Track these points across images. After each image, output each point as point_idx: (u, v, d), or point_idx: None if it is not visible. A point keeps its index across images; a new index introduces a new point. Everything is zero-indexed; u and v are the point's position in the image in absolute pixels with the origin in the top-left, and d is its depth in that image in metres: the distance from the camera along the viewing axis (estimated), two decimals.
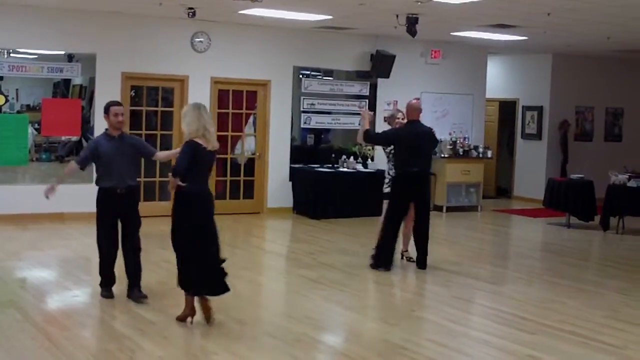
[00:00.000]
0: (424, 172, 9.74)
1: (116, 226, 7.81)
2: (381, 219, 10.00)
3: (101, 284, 7.90)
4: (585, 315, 7.83)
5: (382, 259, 9.61)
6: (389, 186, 9.96)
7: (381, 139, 10.05)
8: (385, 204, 9.90)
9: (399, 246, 10.06)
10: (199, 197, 6.95)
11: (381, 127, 15.29)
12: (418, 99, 10.64)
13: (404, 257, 10.13)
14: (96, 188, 7.88)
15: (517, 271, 10.29)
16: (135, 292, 7.72)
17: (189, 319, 6.98)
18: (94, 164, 7.91)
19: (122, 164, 7.69)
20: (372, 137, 10.00)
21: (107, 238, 7.82)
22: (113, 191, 7.70)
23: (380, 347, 6.54)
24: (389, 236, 9.63)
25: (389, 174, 10.04)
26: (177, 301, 7.94)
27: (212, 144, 7.06)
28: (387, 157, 10.02)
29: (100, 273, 7.87)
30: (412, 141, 9.55)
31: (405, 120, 9.81)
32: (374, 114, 15.10)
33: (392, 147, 9.83)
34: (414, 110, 9.67)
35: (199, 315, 6.95)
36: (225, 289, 7.00)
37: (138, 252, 7.84)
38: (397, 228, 9.69)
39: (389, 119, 10.45)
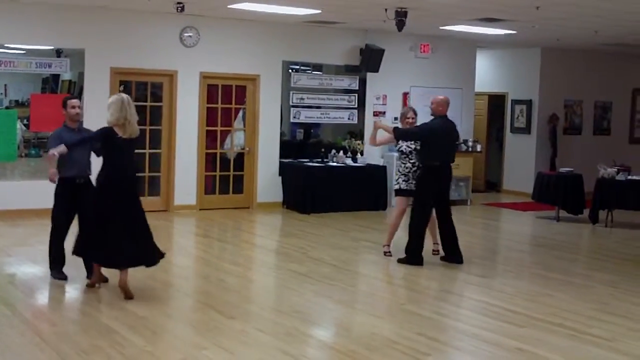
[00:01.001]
0: (450, 166, 9.87)
1: (72, 214, 8.31)
2: (393, 213, 10.14)
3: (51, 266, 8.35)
4: (574, 308, 7.86)
5: (417, 254, 9.65)
6: (405, 181, 9.90)
7: (415, 134, 9.79)
8: (394, 199, 9.98)
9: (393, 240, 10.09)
10: (112, 182, 7.68)
11: (372, 123, 15.33)
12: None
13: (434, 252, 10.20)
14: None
15: (506, 264, 10.31)
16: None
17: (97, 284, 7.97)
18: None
19: (82, 154, 8.13)
20: (404, 134, 9.82)
21: (64, 225, 8.36)
22: (72, 181, 8.16)
23: (370, 341, 6.55)
24: (421, 230, 9.67)
25: (399, 170, 10.03)
26: (166, 295, 7.95)
27: (129, 133, 7.65)
28: (405, 153, 9.90)
29: (51, 254, 8.32)
30: (446, 135, 9.73)
31: (432, 116, 9.87)
32: (364, 109, 15.21)
33: (414, 142, 9.85)
34: (444, 104, 9.77)
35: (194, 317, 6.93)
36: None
37: None
38: (428, 221, 9.78)
39: (400, 118, 10.46)
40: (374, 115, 15.41)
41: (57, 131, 8.24)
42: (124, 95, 7.74)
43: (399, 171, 10.09)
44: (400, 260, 9.75)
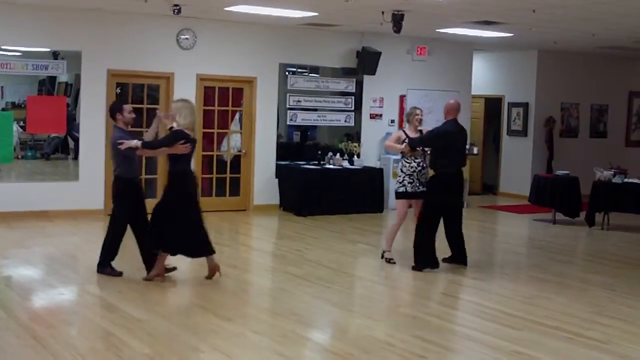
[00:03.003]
0: (462, 170, 9.82)
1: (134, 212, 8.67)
2: (396, 217, 9.94)
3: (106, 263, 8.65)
4: (570, 311, 7.87)
5: (428, 259, 9.53)
6: (411, 183, 9.62)
7: (431, 140, 9.65)
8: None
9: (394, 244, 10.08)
10: (188, 176, 8.48)
11: (369, 125, 15.37)
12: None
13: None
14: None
15: (503, 267, 10.32)
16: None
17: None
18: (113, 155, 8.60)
19: (138, 156, 8.77)
20: (419, 141, 9.62)
21: (126, 224, 8.67)
22: (136, 181, 8.76)
23: (366, 343, 6.55)
24: (431, 234, 9.53)
25: (402, 171, 9.70)
26: (163, 297, 7.95)
27: (194, 134, 8.56)
28: (406, 156, 9.68)
29: (111, 252, 8.63)
30: (459, 139, 9.71)
31: (444, 119, 9.75)
32: (361, 111, 15.22)
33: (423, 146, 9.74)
34: (456, 109, 9.67)
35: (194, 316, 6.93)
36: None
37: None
38: (438, 225, 9.64)
39: (407, 117, 10.02)
40: (370, 117, 15.42)
41: (119, 133, 8.57)
42: (191, 101, 8.76)
43: (402, 171, 9.70)
44: (414, 268, 9.54)
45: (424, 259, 9.53)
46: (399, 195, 9.75)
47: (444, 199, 9.54)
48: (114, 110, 8.71)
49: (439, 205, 9.54)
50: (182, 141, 8.20)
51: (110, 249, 8.63)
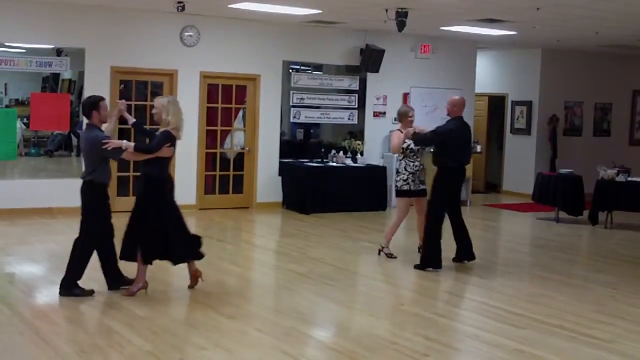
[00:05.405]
0: (465, 168, 9.79)
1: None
2: (398, 215, 9.99)
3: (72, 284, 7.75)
4: (573, 310, 7.86)
5: (433, 259, 9.49)
6: (413, 181, 9.76)
7: (433, 139, 9.64)
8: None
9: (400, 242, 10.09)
10: (167, 182, 7.82)
11: (372, 123, 15.36)
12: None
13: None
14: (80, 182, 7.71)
15: (506, 266, 10.30)
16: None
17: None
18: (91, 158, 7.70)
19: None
20: (424, 139, 9.60)
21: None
22: (106, 187, 7.80)
23: (369, 341, 6.55)
24: (438, 234, 9.51)
25: (405, 169, 9.78)
26: (166, 295, 7.95)
27: (180, 135, 7.83)
28: (413, 151, 9.75)
29: (80, 271, 7.73)
30: (464, 136, 9.70)
31: (449, 117, 9.72)
32: (364, 109, 15.21)
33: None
34: (461, 105, 9.66)
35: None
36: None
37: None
38: (442, 223, 9.63)
39: (400, 117, 10.14)
40: (373, 115, 15.41)
41: (99, 132, 7.60)
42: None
43: (405, 170, 9.79)
44: (417, 267, 9.54)
45: (431, 258, 9.50)
46: (402, 194, 9.86)
47: (454, 194, 9.66)
48: (89, 107, 7.65)
49: (445, 202, 9.55)
50: (169, 144, 7.57)
51: (79, 269, 7.69)
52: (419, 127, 9.75)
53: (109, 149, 7.37)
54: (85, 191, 7.62)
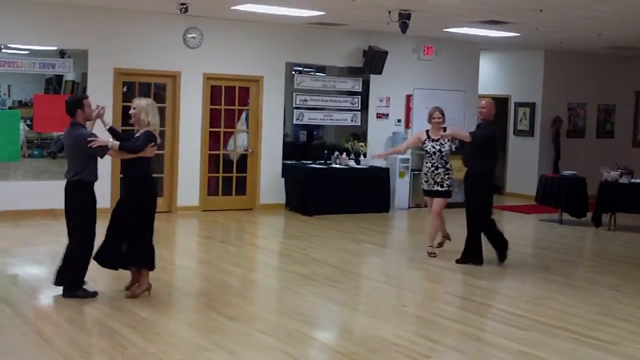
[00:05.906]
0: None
1: None
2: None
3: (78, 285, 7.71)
4: (577, 312, 7.85)
5: (476, 254, 9.86)
6: (426, 182, 10.24)
7: (486, 139, 9.85)
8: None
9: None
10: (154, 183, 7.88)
11: (375, 124, 15.35)
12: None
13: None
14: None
15: (509, 267, 10.28)
16: None
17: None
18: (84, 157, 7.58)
19: None
20: (474, 138, 9.89)
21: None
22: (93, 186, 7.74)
23: (372, 343, 6.54)
24: (480, 231, 9.92)
25: (422, 170, 10.33)
26: (169, 296, 7.95)
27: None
28: (429, 153, 10.13)
29: (83, 272, 7.70)
30: (498, 141, 10.23)
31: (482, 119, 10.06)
32: (367, 111, 15.22)
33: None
34: (494, 108, 9.99)
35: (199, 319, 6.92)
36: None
37: None
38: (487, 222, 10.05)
39: (429, 116, 10.41)
40: (376, 117, 15.41)
41: (85, 130, 7.55)
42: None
43: (422, 170, 10.41)
44: (458, 261, 9.89)
45: (475, 254, 9.86)
46: (423, 192, 10.52)
47: (490, 196, 10.06)
48: (73, 105, 7.55)
49: (489, 203, 10.02)
50: (152, 144, 7.55)
51: (82, 269, 7.63)
52: (456, 131, 10.19)
53: (94, 146, 7.33)
54: (72, 192, 7.52)
